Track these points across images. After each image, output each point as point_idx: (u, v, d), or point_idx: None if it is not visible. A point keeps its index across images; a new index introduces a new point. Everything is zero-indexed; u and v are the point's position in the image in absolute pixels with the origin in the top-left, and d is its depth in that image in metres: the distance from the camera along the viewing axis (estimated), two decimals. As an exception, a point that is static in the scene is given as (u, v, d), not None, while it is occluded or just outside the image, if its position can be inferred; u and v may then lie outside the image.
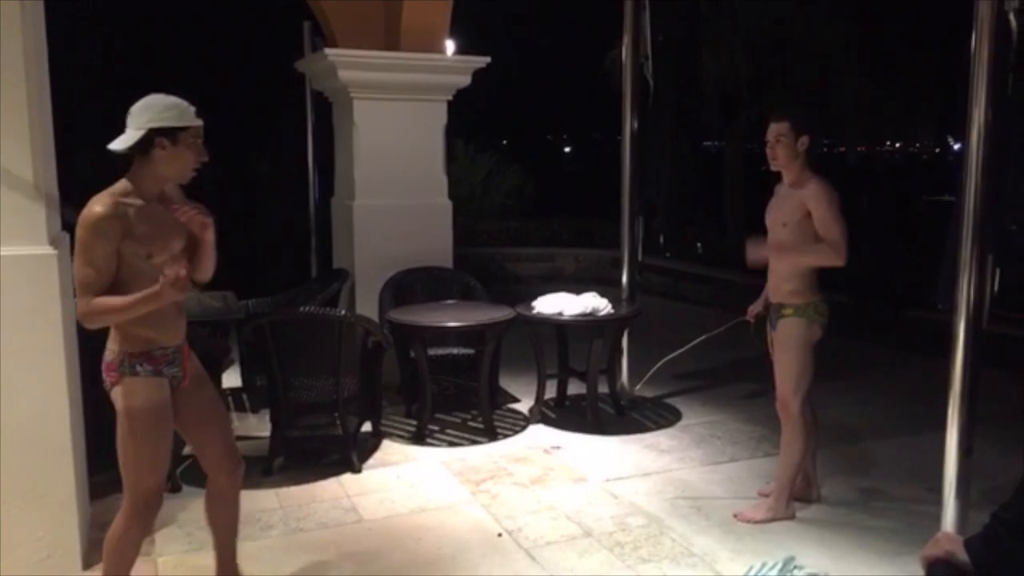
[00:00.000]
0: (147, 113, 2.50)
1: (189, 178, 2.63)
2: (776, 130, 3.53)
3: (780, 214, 3.59)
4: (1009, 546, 1.70)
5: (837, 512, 3.79)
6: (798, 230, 3.50)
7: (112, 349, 2.59)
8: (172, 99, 2.54)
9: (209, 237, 2.69)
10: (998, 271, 3.00)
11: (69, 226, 3.49)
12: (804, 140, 3.51)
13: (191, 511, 3.75)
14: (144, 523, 2.68)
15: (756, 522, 3.66)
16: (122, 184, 2.53)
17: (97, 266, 2.45)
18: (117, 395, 2.59)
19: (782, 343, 3.61)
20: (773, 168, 3.62)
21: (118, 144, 2.51)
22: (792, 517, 3.71)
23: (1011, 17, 3.05)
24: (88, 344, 3.57)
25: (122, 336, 2.58)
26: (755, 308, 3.88)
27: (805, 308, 3.55)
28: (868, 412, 5.26)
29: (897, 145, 25.04)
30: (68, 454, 3.12)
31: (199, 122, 2.57)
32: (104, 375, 2.61)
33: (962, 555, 1.79)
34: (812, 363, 3.60)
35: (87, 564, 3.22)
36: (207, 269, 2.79)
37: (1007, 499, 1.73)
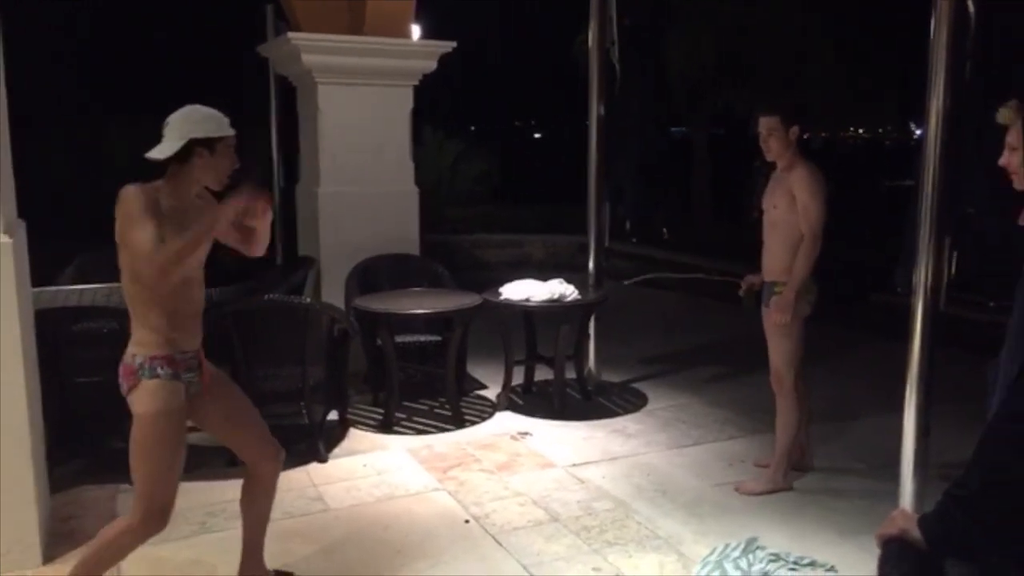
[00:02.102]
0: (187, 124, 2.57)
1: (222, 185, 2.67)
2: (768, 124, 3.72)
3: (773, 197, 3.78)
4: (961, 522, 1.74)
5: (799, 493, 3.85)
6: (788, 211, 3.69)
7: (132, 353, 2.57)
8: (209, 110, 2.62)
9: (265, 225, 2.75)
10: (955, 255, 3.06)
11: (24, 215, 3.43)
12: (795, 130, 3.71)
13: (155, 502, 3.71)
14: (144, 535, 2.63)
15: (757, 494, 3.80)
16: (156, 184, 2.57)
17: (154, 222, 2.46)
18: (134, 399, 2.56)
19: (774, 319, 3.75)
20: (768, 159, 3.81)
21: (158, 153, 2.56)
22: (791, 488, 3.84)
23: (969, 3, 3.09)
24: (46, 336, 3.52)
25: (145, 338, 2.56)
26: (752, 279, 4.02)
27: (803, 293, 3.70)
28: (829, 394, 5.32)
29: (860, 131, 25.32)
30: (26, 447, 3.06)
31: (233, 132, 2.65)
32: (121, 379, 2.58)
33: (915, 532, 1.82)
34: (803, 338, 3.79)
35: (47, 558, 3.17)
36: (262, 246, 2.83)
37: (959, 476, 1.77)
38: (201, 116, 2.60)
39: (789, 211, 3.68)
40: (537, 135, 35.55)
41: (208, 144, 2.58)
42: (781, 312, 3.69)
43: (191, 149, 2.56)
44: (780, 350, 3.79)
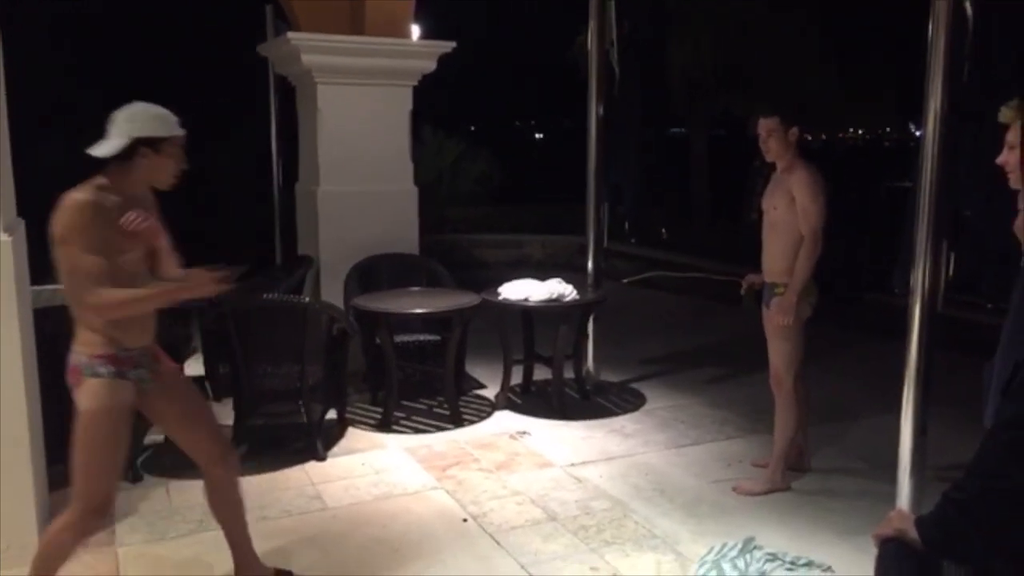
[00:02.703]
0: (132, 123, 2.54)
1: (169, 185, 2.65)
2: (767, 126, 3.72)
3: (773, 198, 3.79)
4: (957, 525, 1.75)
5: (796, 493, 3.86)
6: (787, 212, 3.70)
7: (76, 351, 2.56)
8: (156, 109, 2.59)
9: (163, 243, 2.70)
10: (952, 256, 3.07)
11: (25, 214, 3.44)
12: (794, 131, 3.73)
13: (152, 501, 3.72)
14: (84, 531, 2.59)
15: (755, 494, 3.81)
16: (99, 180, 2.54)
17: (98, 249, 2.44)
18: (78, 397, 2.55)
19: (775, 321, 3.75)
20: (768, 160, 3.82)
21: (100, 151, 2.53)
22: (788, 488, 3.85)
23: (967, 5, 3.10)
24: (45, 334, 3.52)
25: (87, 337, 2.54)
26: (753, 278, 4.02)
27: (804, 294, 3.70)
28: (825, 394, 5.32)
29: (860, 132, 25.36)
30: (25, 444, 3.07)
31: (181, 132, 2.62)
32: (68, 377, 2.58)
33: (913, 533, 1.83)
34: (803, 340, 3.79)
35: (46, 555, 3.17)
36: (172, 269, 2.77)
37: (958, 480, 1.77)
38: (147, 115, 2.57)
39: (788, 212, 3.70)
40: (539, 135, 35.58)
41: (153, 144, 2.55)
42: (783, 314, 3.70)
43: (135, 148, 2.53)
44: (780, 352, 3.79)
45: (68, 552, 2.64)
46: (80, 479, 2.56)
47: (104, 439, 2.54)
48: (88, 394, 2.53)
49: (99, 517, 2.60)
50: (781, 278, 3.74)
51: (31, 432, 3.11)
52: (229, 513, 2.92)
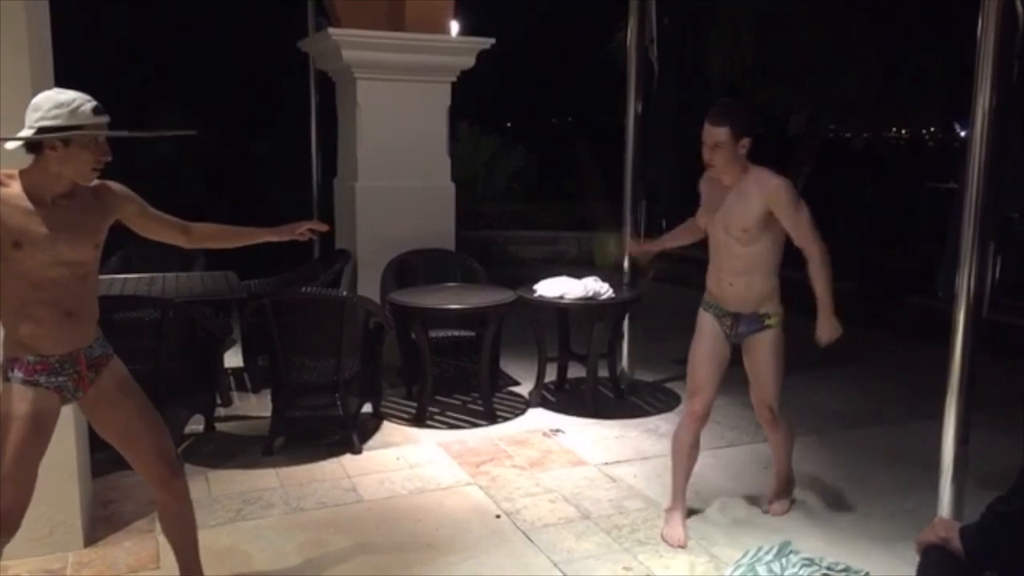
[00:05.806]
0: (37, 111, 2.29)
1: (92, 179, 2.41)
2: (714, 136, 3.17)
3: (736, 219, 3.25)
4: (1000, 537, 1.72)
5: (834, 498, 3.81)
6: (761, 231, 3.23)
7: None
8: (66, 96, 2.31)
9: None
10: (999, 260, 3.00)
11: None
12: (745, 143, 3.18)
13: (191, 489, 3.75)
14: None
15: (784, 513, 3.65)
16: (14, 172, 2.34)
17: None
18: None
19: (769, 352, 3.40)
20: (712, 175, 3.34)
21: (10, 145, 2.31)
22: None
23: (1018, 3, 3.03)
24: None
25: (4, 337, 2.42)
26: (646, 247, 4.05)
27: (782, 317, 3.40)
28: (865, 398, 5.27)
29: (903, 131, 24.90)
30: (70, 431, 3.13)
31: (96, 120, 2.33)
32: None
33: (956, 542, 1.81)
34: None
35: (89, 541, 3.25)
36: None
37: (1005, 492, 1.75)
38: (52, 103, 2.28)
39: (763, 230, 3.21)
40: (577, 132, 35.42)
41: (59, 134, 2.27)
42: (835, 332, 3.29)
43: (40, 140, 2.27)
44: (770, 384, 3.44)
45: None
46: None
47: (9, 447, 2.35)
48: (2, 396, 2.39)
49: (5, 531, 2.37)
50: (769, 307, 3.33)
51: (75, 419, 3.17)
52: (176, 533, 2.74)
